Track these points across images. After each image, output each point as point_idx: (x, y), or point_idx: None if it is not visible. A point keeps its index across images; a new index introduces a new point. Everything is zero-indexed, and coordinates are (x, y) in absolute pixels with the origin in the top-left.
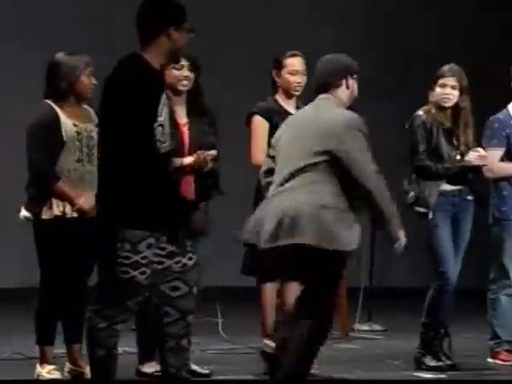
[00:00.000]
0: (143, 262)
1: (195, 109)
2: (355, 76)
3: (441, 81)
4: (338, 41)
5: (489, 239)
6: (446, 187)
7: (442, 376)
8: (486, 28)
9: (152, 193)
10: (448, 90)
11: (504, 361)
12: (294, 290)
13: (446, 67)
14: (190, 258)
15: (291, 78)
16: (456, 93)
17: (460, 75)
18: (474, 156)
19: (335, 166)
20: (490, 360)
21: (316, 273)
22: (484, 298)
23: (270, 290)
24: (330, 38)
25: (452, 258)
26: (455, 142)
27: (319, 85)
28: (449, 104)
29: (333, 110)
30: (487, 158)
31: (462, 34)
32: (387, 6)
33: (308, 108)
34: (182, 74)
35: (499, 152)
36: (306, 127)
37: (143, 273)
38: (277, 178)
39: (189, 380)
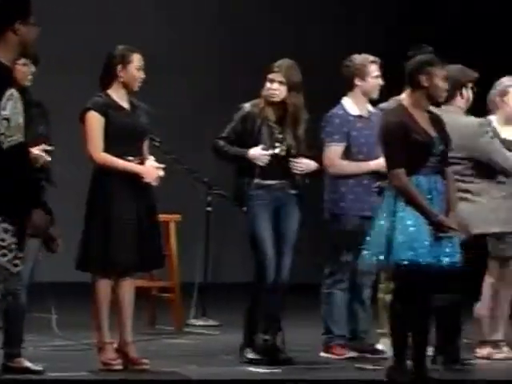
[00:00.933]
0: (3, 244)
1: (25, 102)
2: (470, 85)
3: (269, 76)
4: (184, 40)
5: (322, 234)
6: (268, 181)
7: (277, 370)
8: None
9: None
10: (275, 86)
11: (337, 355)
12: (130, 286)
13: (276, 63)
14: (16, 265)
15: (137, 74)
16: (283, 88)
17: (289, 71)
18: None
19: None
20: (322, 354)
21: None
22: (317, 293)
23: (104, 285)
24: (177, 38)
25: (272, 251)
26: (280, 137)
27: None
28: (275, 99)
29: (456, 121)
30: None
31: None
32: (235, 7)
33: None
34: (29, 70)
35: (340, 148)
36: None
37: (4, 255)
38: None
39: None
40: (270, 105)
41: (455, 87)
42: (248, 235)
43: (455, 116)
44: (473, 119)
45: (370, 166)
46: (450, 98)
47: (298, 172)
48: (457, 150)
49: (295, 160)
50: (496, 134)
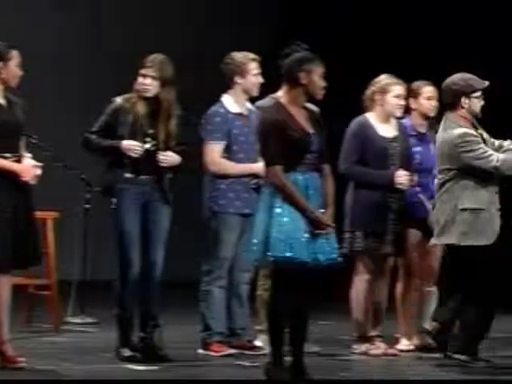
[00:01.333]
0: None
1: None
2: (475, 95)
3: (142, 71)
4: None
5: (200, 232)
6: (138, 176)
7: (154, 368)
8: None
9: None
10: (148, 81)
11: (215, 352)
12: (6, 283)
13: (149, 57)
14: None
15: (17, 71)
16: (156, 84)
17: (162, 66)
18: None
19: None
20: (201, 351)
21: None
22: (195, 290)
23: None
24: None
25: (137, 247)
26: (151, 132)
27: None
28: (148, 94)
29: (448, 131)
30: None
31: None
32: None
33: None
34: None
35: (221, 146)
36: (437, 144)
37: None
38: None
39: None
40: (142, 99)
41: (455, 96)
42: (115, 230)
43: (451, 126)
44: (456, 130)
45: (251, 169)
46: (452, 108)
47: (163, 165)
48: (446, 161)
49: (161, 153)
50: (485, 140)
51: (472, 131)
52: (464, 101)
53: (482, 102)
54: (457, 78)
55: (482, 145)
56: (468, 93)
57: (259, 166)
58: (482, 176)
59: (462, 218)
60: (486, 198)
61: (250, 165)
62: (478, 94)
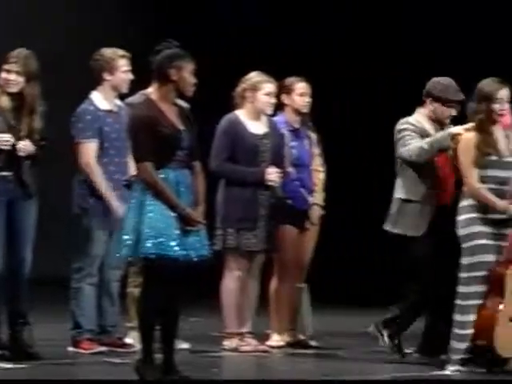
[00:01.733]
0: None
1: None
2: (446, 103)
3: (6, 66)
4: None
5: (69, 228)
6: (2, 173)
7: (23, 366)
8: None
9: None
10: (12, 76)
11: (85, 349)
12: None
13: (13, 53)
14: None
15: None
16: (20, 79)
17: (26, 61)
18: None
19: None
20: (71, 349)
21: None
22: (65, 287)
23: None
24: None
25: (1, 243)
26: (15, 127)
27: None
28: (12, 90)
29: None
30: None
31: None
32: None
33: None
34: None
35: (94, 144)
36: None
37: None
38: None
39: None
40: (5, 94)
41: (425, 95)
42: None
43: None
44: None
45: (111, 200)
46: (422, 104)
47: (21, 154)
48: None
49: (20, 142)
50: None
51: (412, 121)
52: (430, 102)
53: (454, 113)
54: (438, 80)
55: (412, 134)
56: (435, 97)
57: (118, 204)
58: (420, 166)
59: (397, 206)
60: (422, 191)
61: (112, 195)
62: (450, 103)
